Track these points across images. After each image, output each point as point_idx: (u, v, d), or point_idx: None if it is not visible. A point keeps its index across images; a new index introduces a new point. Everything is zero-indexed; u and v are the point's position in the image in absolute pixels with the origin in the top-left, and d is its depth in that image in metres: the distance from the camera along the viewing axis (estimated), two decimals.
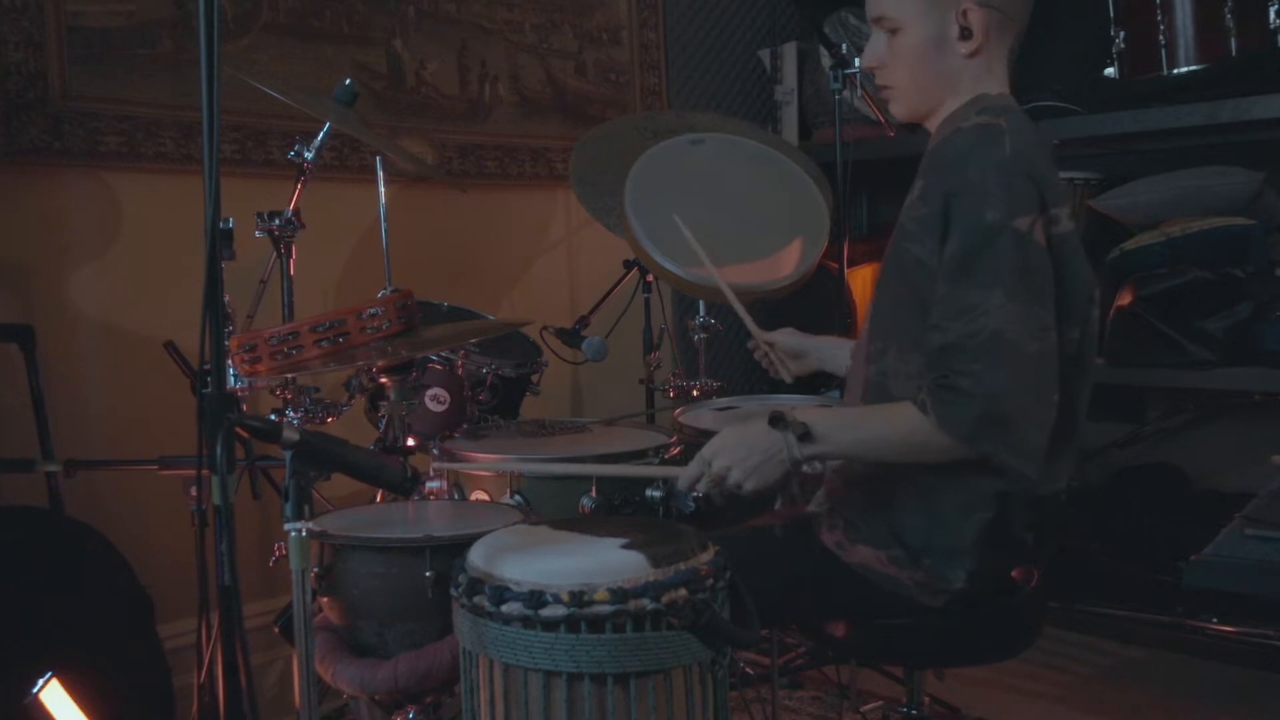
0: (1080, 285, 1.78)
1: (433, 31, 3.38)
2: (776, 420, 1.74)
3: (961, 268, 1.69)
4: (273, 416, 2.36)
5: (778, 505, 1.80)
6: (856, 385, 1.94)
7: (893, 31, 1.87)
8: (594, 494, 2.15)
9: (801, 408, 1.78)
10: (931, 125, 1.92)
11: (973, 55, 1.84)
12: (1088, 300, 1.80)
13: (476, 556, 1.63)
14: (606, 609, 1.48)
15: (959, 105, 1.86)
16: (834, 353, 2.27)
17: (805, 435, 1.73)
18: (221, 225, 1.68)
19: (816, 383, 2.52)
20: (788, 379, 2.33)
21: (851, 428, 1.76)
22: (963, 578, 1.81)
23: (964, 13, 1.81)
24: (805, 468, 1.78)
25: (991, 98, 1.84)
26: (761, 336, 2.32)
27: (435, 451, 2.35)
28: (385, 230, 2.54)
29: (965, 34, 1.82)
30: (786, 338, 2.30)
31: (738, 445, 1.77)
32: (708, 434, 2.42)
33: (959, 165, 1.73)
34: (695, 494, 1.84)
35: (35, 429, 2.54)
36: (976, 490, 1.78)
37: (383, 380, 2.30)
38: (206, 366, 1.45)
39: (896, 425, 1.71)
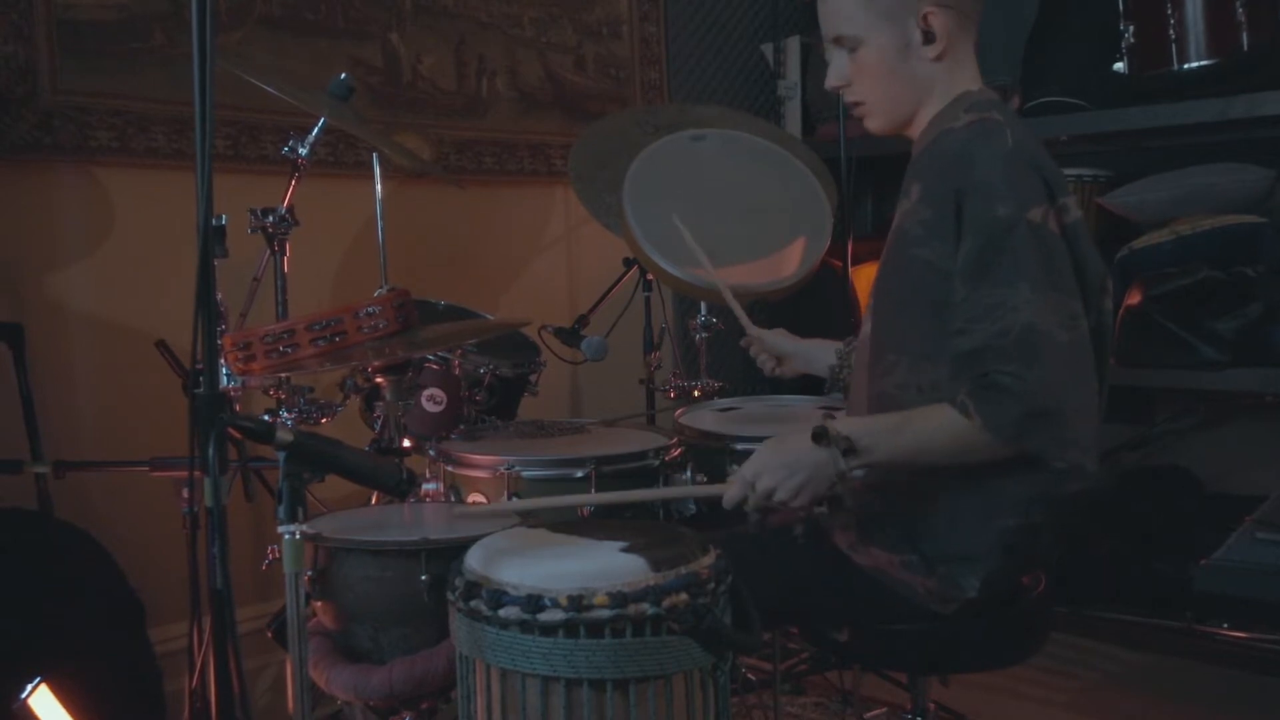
0: (1092, 274, 1.76)
1: (429, 25, 3.35)
2: (819, 436, 1.70)
3: (980, 267, 1.66)
4: (266, 417, 2.33)
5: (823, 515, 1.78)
6: (860, 399, 1.91)
7: (853, 49, 1.86)
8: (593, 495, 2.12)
9: (840, 418, 1.74)
10: (912, 132, 1.91)
11: (939, 58, 1.83)
12: (1100, 289, 1.79)
13: (474, 560, 1.62)
14: (606, 613, 1.46)
15: (941, 107, 1.85)
16: (818, 356, 2.27)
17: (850, 450, 1.69)
18: (214, 222, 1.65)
19: (819, 384, 2.49)
20: (779, 375, 2.33)
21: (893, 436, 1.71)
22: (976, 585, 1.78)
23: (925, 17, 1.80)
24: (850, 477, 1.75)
25: (974, 94, 1.83)
26: (753, 333, 2.31)
27: (432, 453, 2.32)
28: (381, 227, 2.51)
29: (929, 38, 1.81)
30: (776, 338, 2.31)
31: (781, 464, 1.73)
32: (709, 435, 2.41)
33: (963, 164, 1.71)
34: (748, 512, 1.79)
35: (24, 429, 2.51)
36: (1001, 496, 1.75)
37: (378, 380, 2.28)
38: (199, 366, 1.44)
39: (939, 430, 1.67)
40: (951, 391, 1.66)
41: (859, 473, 1.82)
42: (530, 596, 1.48)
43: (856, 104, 1.92)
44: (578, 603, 1.46)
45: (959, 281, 1.68)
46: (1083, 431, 1.64)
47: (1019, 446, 1.63)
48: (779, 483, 1.72)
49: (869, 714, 2.91)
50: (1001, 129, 1.73)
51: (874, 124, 1.93)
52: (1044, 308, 1.62)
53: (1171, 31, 3.12)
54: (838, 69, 1.90)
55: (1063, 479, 1.70)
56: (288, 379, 2.36)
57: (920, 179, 1.80)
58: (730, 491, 1.78)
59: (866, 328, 1.91)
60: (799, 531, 1.82)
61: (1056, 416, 1.61)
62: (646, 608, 1.47)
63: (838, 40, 1.88)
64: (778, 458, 1.74)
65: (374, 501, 2.44)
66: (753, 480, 1.75)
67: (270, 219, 2.37)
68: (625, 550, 1.59)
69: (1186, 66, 3.14)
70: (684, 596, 1.48)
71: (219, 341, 1.96)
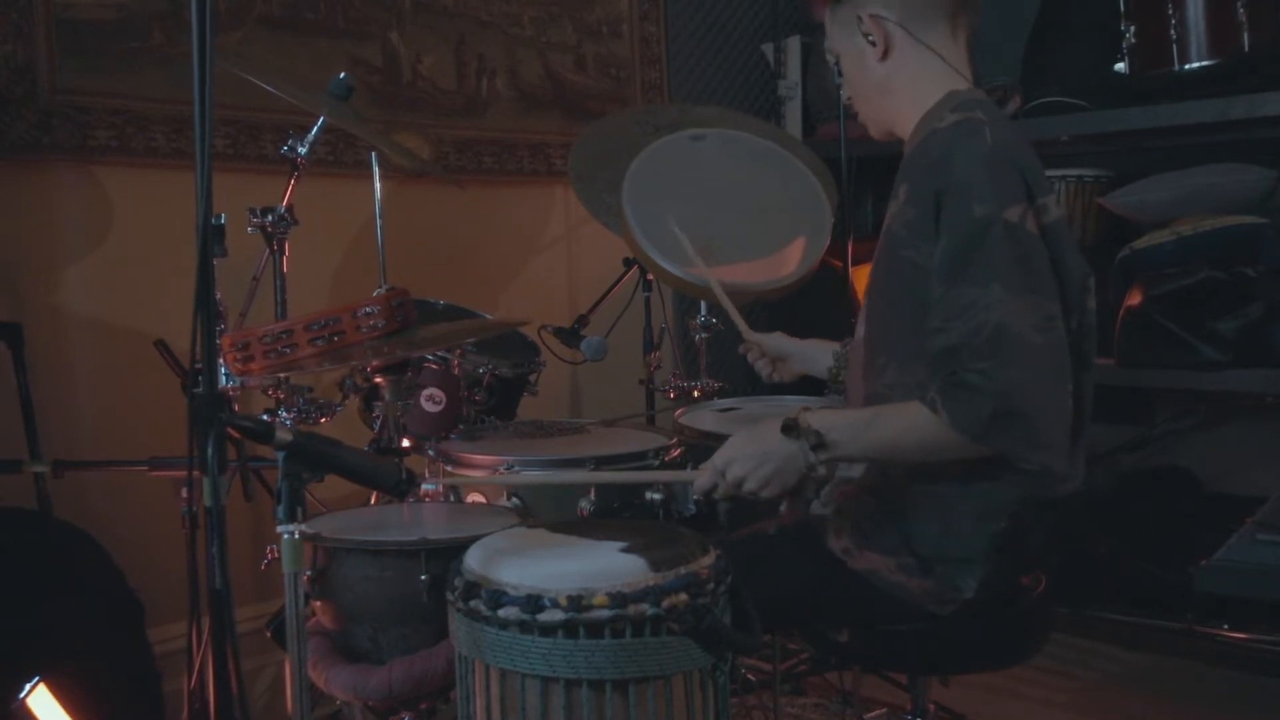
0: (1074, 274, 1.76)
1: (429, 25, 3.35)
2: (789, 428, 1.71)
3: (956, 266, 1.66)
4: (265, 417, 2.32)
5: (783, 508, 1.78)
6: (856, 400, 1.92)
7: (838, 60, 1.96)
8: (592, 496, 2.12)
9: (814, 411, 1.74)
10: (901, 132, 1.94)
11: (884, 59, 1.87)
12: (1082, 289, 1.79)
13: (473, 560, 1.62)
14: (605, 614, 1.46)
15: (918, 105, 1.87)
16: (816, 356, 2.28)
17: (819, 444, 1.70)
18: (213, 221, 1.65)
19: (820, 386, 2.49)
20: (779, 380, 2.34)
21: (863, 431, 1.72)
22: (974, 587, 1.78)
23: (859, 19, 1.87)
24: (820, 470, 1.75)
25: (961, 94, 1.84)
26: (751, 338, 2.32)
27: (431, 453, 2.31)
28: (380, 227, 2.50)
29: (871, 40, 1.87)
30: (774, 341, 2.32)
31: (751, 454, 1.74)
32: (709, 435, 2.41)
33: (944, 164, 1.72)
34: (716, 501, 1.81)
35: (23, 429, 2.51)
36: (992, 499, 1.75)
37: (377, 380, 2.27)
38: (198, 365, 1.43)
39: (908, 427, 1.67)
40: (928, 389, 1.66)
41: (854, 472, 1.82)
42: (530, 597, 1.47)
43: (857, 113, 2.01)
44: (577, 603, 1.45)
45: (935, 280, 1.68)
46: (1053, 434, 1.64)
47: (986, 446, 1.62)
48: (748, 472, 1.73)
49: (869, 715, 2.90)
50: (982, 128, 1.73)
51: (870, 130, 2.01)
52: (1018, 308, 1.62)
53: (1173, 32, 3.12)
54: (844, 82, 1.99)
55: (1045, 482, 1.71)
56: (287, 379, 2.35)
57: (907, 180, 1.81)
58: (700, 480, 1.80)
59: (861, 330, 1.92)
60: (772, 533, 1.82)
61: (1024, 417, 1.60)
62: (646, 608, 1.46)
63: (830, 53, 1.98)
64: (748, 448, 1.75)
65: (373, 501, 2.43)
66: (723, 469, 1.76)
67: (269, 218, 2.36)
68: (625, 550, 1.58)
69: (1187, 67, 3.13)
70: (684, 597, 1.48)
71: (218, 341, 1.97)
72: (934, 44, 1.86)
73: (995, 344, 1.60)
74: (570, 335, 3.00)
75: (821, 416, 1.72)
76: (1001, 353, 1.60)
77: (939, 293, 1.67)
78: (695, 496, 1.83)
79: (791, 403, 2.86)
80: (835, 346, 2.25)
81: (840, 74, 2.00)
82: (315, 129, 2.44)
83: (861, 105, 1.98)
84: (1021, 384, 1.60)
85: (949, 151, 1.72)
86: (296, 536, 1.58)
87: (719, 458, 1.78)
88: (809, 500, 1.76)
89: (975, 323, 1.62)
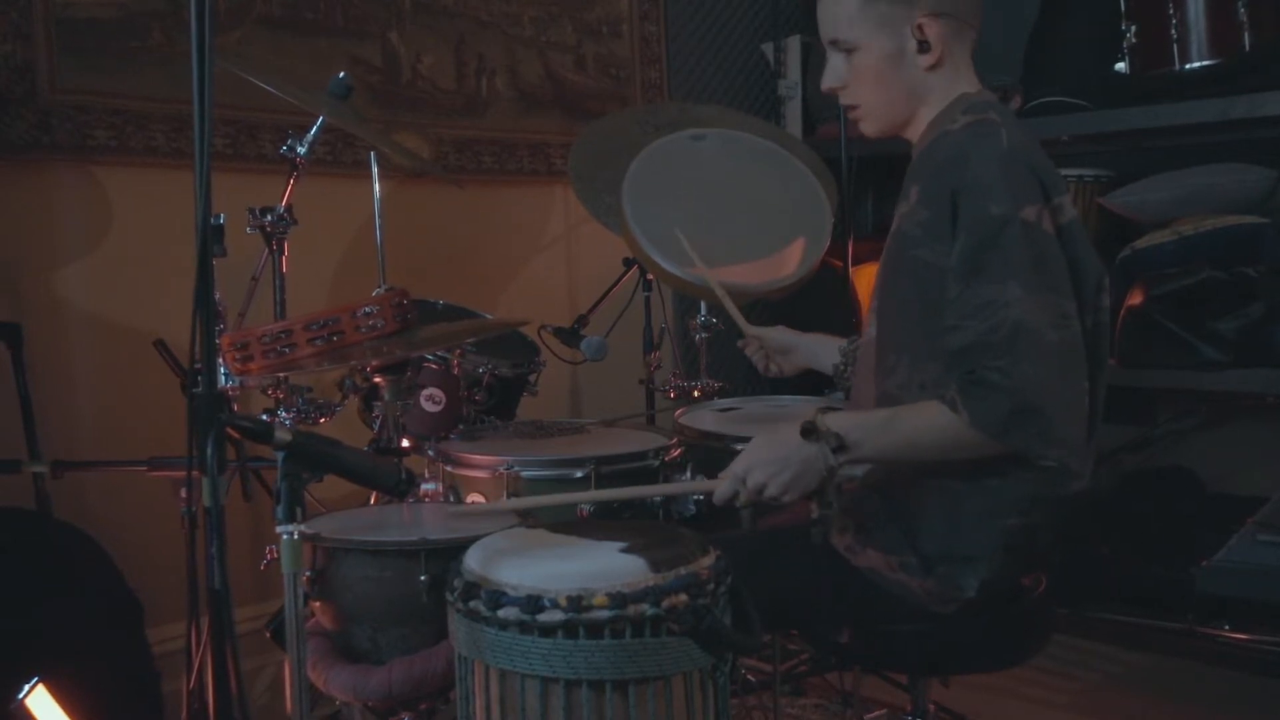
0: (1089, 274, 1.77)
1: (429, 24, 3.35)
2: (808, 431, 1.70)
3: (973, 265, 1.67)
4: (264, 417, 2.32)
5: (815, 514, 1.76)
6: (866, 401, 1.91)
7: (849, 51, 1.87)
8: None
9: (831, 413, 1.73)
10: (909, 134, 1.92)
11: (934, 67, 1.83)
12: (1096, 289, 1.79)
13: (473, 560, 1.62)
14: (605, 614, 1.46)
15: (938, 111, 1.86)
16: (821, 350, 2.27)
17: (840, 445, 1.69)
18: (213, 221, 1.65)
19: (819, 384, 2.49)
20: (776, 373, 2.32)
21: (883, 432, 1.72)
22: (975, 586, 1.77)
23: (919, 26, 1.81)
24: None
25: (972, 96, 1.84)
26: (751, 332, 2.31)
27: (431, 453, 2.31)
28: (380, 227, 2.50)
29: (924, 47, 1.82)
30: (777, 335, 2.31)
31: (771, 459, 1.72)
32: (709, 435, 2.40)
33: (959, 164, 1.72)
34: (739, 508, 1.79)
35: (22, 429, 2.50)
36: (1001, 495, 1.75)
37: (377, 380, 2.27)
38: (197, 365, 1.43)
39: (928, 426, 1.68)
40: (944, 388, 1.66)
41: (858, 470, 1.81)
42: (529, 597, 1.47)
43: (851, 107, 1.93)
44: (577, 603, 1.45)
45: (952, 279, 1.69)
46: (1070, 431, 1.64)
47: (1005, 444, 1.62)
48: (769, 478, 1.72)
49: (869, 715, 2.89)
50: (997, 129, 1.74)
51: (868, 128, 1.93)
52: (1034, 306, 1.63)
53: (1173, 31, 3.12)
54: (834, 71, 1.90)
55: (1059, 479, 1.71)
56: (286, 379, 2.35)
57: (919, 180, 1.81)
58: (721, 488, 1.78)
59: (871, 331, 1.91)
60: (815, 532, 1.80)
61: (1042, 414, 1.60)
62: (646, 608, 1.46)
63: (834, 43, 1.88)
64: (768, 453, 1.74)
65: (373, 501, 2.43)
66: (743, 476, 1.75)
67: (269, 218, 2.36)
68: (625, 551, 1.58)
69: (1188, 66, 3.13)
70: (684, 597, 1.48)
71: (217, 341, 1.96)
72: (970, 49, 1.87)
73: (1012, 341, 1.61)
74: (570, 335, 2.99)
75: (839, 418, 1.72)
76: (1018, 349, 1.61)
77: (956, 292, 1.68)
78: (717, 504, 1.81)
79: (790, 403, 2.86)
80: (840, 342, 2.24)
81: (828, 59, 1.91)
82: (315, 129, 2.44)
83: (874, 101, 1.89)
84: (1038, 380, 1.60)
85: (964, 152, 1.72)
86: (296, 536, 1.59)
87: (738, 465, 1.76)
88: (830, 503, 1.75)
89: (993, 321, 1.63)
